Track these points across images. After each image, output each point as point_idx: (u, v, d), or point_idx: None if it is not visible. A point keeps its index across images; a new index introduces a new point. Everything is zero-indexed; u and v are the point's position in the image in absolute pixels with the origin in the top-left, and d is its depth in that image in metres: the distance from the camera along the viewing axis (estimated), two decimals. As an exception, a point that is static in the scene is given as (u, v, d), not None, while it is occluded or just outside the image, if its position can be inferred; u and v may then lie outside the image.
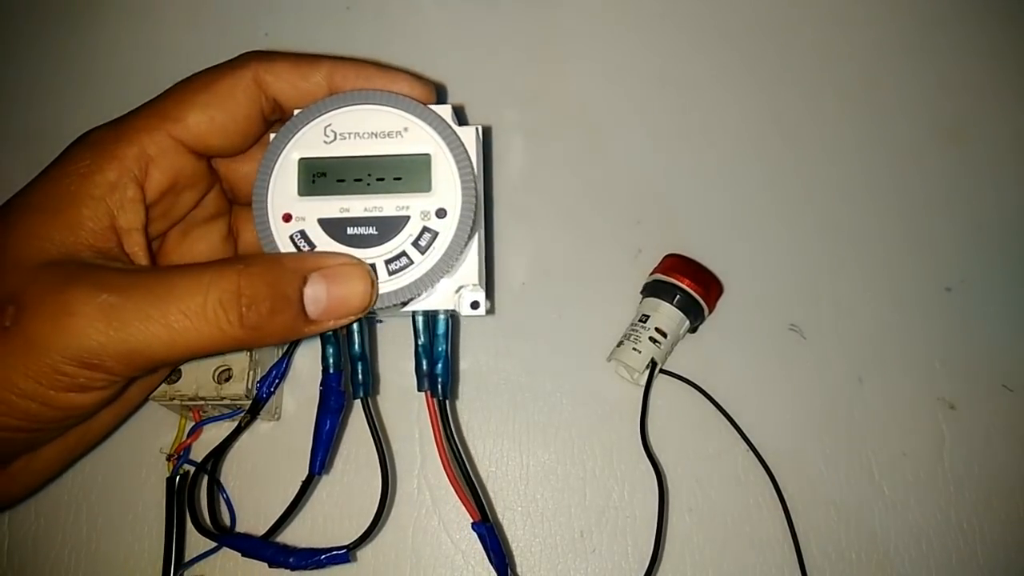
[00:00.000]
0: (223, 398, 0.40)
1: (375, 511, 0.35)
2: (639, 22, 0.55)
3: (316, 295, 0.30)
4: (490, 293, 0.45)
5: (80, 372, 0.27)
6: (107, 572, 0.42)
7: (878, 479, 0.44)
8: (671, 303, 0.44)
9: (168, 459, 0.41)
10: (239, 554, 0.36)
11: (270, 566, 0.36)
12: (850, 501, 0.44)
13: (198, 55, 0.53)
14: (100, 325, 0.27)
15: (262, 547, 0.36)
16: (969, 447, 0.45)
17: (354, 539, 0.35)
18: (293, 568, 0.35)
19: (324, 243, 0.33)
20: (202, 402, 0.40)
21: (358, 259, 0.32)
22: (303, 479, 0.36)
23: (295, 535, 0.42)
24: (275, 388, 0.41)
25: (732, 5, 0.55)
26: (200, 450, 0.42)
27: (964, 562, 0.43)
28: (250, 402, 0.40)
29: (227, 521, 0.41)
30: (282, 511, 0.37)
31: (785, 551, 0.43)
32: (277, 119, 0.35)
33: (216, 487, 0.42)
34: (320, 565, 0.35)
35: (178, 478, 0.41)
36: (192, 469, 0.41)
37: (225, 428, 0.43)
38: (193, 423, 0.41)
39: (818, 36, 0.55)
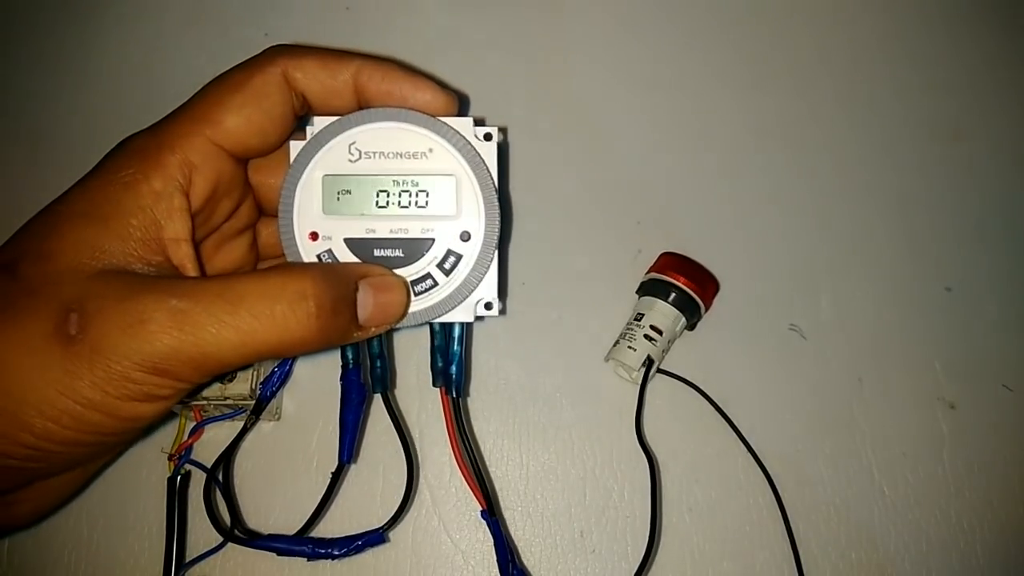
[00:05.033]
0: (226, 398, 0.40)
1: (403, 492, 0.38)
2: (639, 23, 0.55)
3: (364, 301, 0.32)
4: (503, 294, 0.45)
5: (149, 379, 0.27)
6: (107, 572, 0.42)
7: (878, 479, 0.44)
8: (666, 301, 0.44)
9: (169, 459, 0.41)
10: (269, 553, 0.38)
11: (309, 559, 0.38)
12: (850, 501, 0.44)
13: (198, 55, 0.54)
14: (173, 331, 0.27)
15: (299, 543, 0.38)
16: (969, 447, 0.45)
17: (387, 520, 0.37)
18: (335, 557, 0.37)
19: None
20: (204, 402, 0.40)
21: (391, 271, 0.34)
22: (332, 471, 0.38)
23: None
24: (278, 388, 0.41)
25: (731, 7, 0.55)
26: (200, 449, 0.42)
27: (964, 562, 0.43)
28: (252, 402, 0.40)
29: (227, 524, 0.41)
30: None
31: (785, 551, 0.43)
32: (305, 115, 0.35)
33: (223, 491, 0.42)
34: (359, 550, 0.37)
35: (179, 478, 0.41)
36: (192, 468, 0.41)
37: (226, 428, 0.43)
38: (194, 423, 0.41)
39: (817, 37, 0.55)
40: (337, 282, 0.31)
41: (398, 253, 0.34)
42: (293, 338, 0.29)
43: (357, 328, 0.32)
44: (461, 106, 0.36)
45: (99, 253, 0.29)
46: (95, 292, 0.28)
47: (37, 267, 0.28)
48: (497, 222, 0.34)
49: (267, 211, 0.38)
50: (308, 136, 0.34)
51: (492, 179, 0.34)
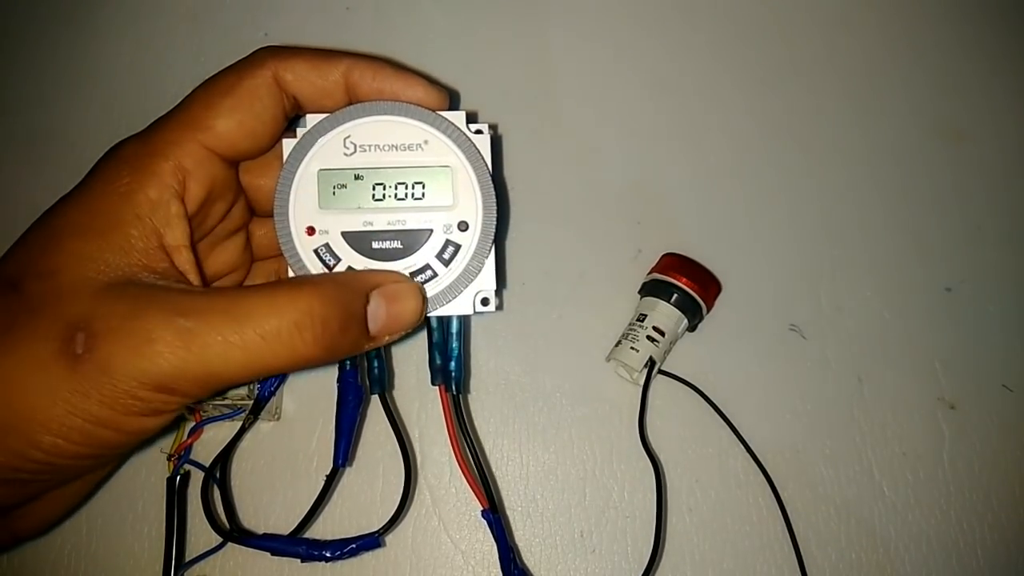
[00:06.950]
0: (225, 398, 0.40)
1: (400, 495, 0.37)
2: (639, 22, 0.55)
3: (376, 313, 0.31)
4: (500, 290, 0.45)
5: (155, 396, 0.27)
6: (107, 572, 0.42)
7: (878, 479, 0.44)
8: (668, 302, 0.44)
9: (169, 459, 0.41)
10: (268, 554, 0.37)
11: (303, 561, 0.37)
12: (850, 501, 0.44)
13: (198, 55, 0.54)
14: (180, 352, 0.27)
15: (293, 544, 0.37)
16: (969, 447, 0.45)
17: (383, 524, 0.37)
18: (328, 560, 0.37)
19: (350, 257, 0.34)
20: (203, 402, 0.40)
21: (408, 277, 0.33)
22: (327, 474, 0.37)
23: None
24: (276, 388, 0.41)
25: (731, 6, 0.55)
26: (200, 449, 0.42)
27: (964, 562, 0.43)
28: (251, 402, 0.40)
29: (227, 523, 0.41)
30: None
31: (786, 551, 0.43)
32: (296, 115, 0.35)
33: (220, 489, 0.42)
34: (354, 553, 0.36)
35: (179, 478, 0.41)
36: (191, 469, 0.41)
37: (226, 428, 0.42)
38: (194, 423, 0.41)
39: (818, 36, 0.55)
40: (346, 298, 0.30)
41: (396, 244, 0.34)
42: (299, 357, 0.29)
43: (368, 340, 0.31)
44: (452, 102, 0.36)
45: (103, 267, 0.29)
46: (100, 310, 0.27)
47: (41, 284, 0.28)
48: (494, 211, 0.34)
49: (259, 212, 0.38)
50: (299, 135, 0.34)
51: (487, 168, 0.34)
